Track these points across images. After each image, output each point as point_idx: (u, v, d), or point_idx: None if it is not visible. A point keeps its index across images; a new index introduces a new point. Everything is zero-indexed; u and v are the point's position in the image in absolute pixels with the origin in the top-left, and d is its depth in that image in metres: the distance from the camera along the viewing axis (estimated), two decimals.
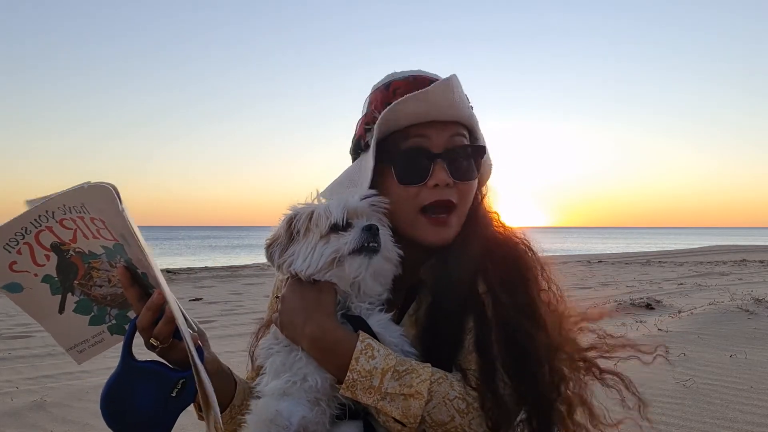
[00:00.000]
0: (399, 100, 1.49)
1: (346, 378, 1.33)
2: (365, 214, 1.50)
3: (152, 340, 1.34)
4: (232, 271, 23.13)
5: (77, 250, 1.31)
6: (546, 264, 1.60)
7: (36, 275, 1.29)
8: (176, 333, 1.35)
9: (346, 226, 1.45)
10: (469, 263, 1.52)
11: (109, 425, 1.29)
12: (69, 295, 1.35)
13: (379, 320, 1.46)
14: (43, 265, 1.29)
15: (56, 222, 1.23)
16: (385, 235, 1.49)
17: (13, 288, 1.27)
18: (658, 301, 11.26)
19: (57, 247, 1.28)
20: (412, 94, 1.48)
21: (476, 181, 1.62)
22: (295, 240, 1.48)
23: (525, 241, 1.63)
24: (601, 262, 27.35)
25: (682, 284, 16.47)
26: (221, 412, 1.59)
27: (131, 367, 1.31)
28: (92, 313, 1.40)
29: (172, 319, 1.31)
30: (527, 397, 1.41)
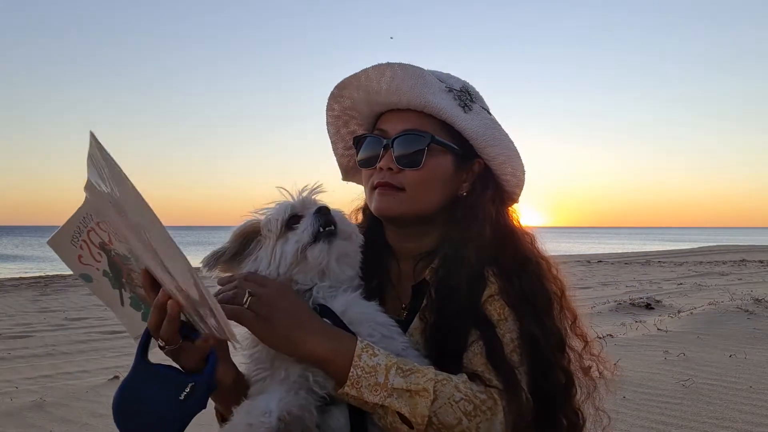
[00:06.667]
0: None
1: (350, 374, 1.28)
2: (311, 203, 1.50)
3: (159, 341, 1.29)
4: None
5: (115, 251, 1.33)
6: (556, 265, 1.64)
7: (98, 269, 1.36)
8: (185, 335, 1.31)
9: (298, 220, 1.45)
10: (470, 262, 1.51)
11: (119, 426, 1.27)
12: (122, 290, 1.40)
13: (344, 300, 1.42)
14: (100, 261, 1.36)
15: (95, 224, 1.29)
16: (337, 213, 1.49)
17: (86, 278, 1.37)
18: (658, 301, 11.27)
19: (103, 247, 1.33)
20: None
21: (425, 169, 1.54)
22: (251, 250, 1.48)
23: (537, 245, 1.66)
24: (601, 262, 27.37)
25: (681, 284, 16.47)
26: None
27: (143, 369, 1.30)
28: (142, 310, 1.42)
29: (174, 318, 1.25)
30: (541, 391, 1.43)
